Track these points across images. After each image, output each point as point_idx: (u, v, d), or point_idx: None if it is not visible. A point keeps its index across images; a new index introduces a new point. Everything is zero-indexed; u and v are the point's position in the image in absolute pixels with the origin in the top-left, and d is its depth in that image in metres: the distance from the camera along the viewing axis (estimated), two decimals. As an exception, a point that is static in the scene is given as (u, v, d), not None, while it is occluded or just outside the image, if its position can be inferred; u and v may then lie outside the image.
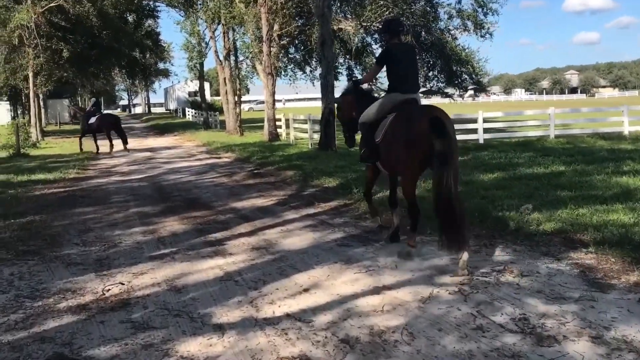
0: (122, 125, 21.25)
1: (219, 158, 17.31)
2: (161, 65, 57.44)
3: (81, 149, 20.74)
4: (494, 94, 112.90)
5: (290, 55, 26.41)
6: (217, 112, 41.10)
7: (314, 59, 25.41)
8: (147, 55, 39.54)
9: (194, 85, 64.38)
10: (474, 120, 18.01)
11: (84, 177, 13.67)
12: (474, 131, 17.64)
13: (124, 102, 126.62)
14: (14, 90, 35.15)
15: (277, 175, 12.61)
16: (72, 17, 27.30)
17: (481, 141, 17.03)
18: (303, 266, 5.36)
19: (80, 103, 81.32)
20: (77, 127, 47.95)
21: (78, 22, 28.29)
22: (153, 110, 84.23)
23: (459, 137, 6.26)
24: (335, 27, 22.98)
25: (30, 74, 26.78)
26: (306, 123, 20.00)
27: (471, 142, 16.67)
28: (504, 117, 27.25)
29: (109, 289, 4.87)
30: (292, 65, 26.38)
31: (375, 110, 5.88)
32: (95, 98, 23.04)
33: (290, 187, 10.80)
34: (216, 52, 28.91)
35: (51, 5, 25.16)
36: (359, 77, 16.25)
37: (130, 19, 36.97)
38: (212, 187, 11.32)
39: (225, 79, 30.33)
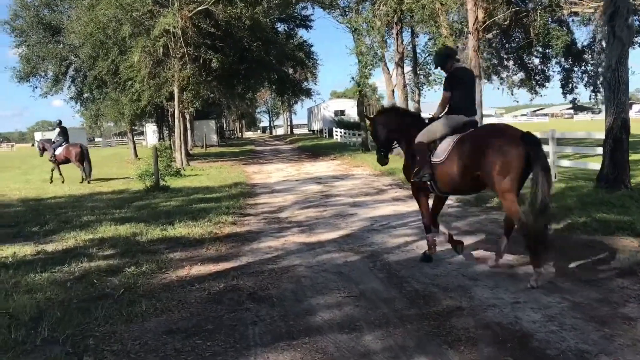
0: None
1: (428, 197, 11.65)
2: (305, 85, 53.89)
3: (51, 181, 18.97)
4: None
5: (487, 55, 20.31)
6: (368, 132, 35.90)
7: (534, 56, 19.18)
8: (298, 70, 35.39)
9: (339, 104, 60.38)
10: None
11: (246, 234, 8.62)
12: None
13: (264, 124, 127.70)
14: (160, 111, 32.43)
15: (599, 247, 6.56)
16: (221, 24, 23.41)
17: None
18: None
19: (225, 125, 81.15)
20: (224, 149, 45.68)
21: (227, 34, 24.49)
22: (295, 131, 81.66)
23: None
24: (566, 12, 16.67)
25: (176, 90, 23.20)
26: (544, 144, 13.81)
27: None
28: None
29: None
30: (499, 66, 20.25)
31: (437, 131, 5.96)
32: (59, 127, 19.98)
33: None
34: (383, 58, 23.66)
35: (200, 8, 21.33)
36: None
37: (281, 29, 33.19)
38: (511, 283, 5.58)
39: (392, 91, 24.98)
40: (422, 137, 6.01)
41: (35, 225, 10.10)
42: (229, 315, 4.87)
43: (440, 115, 6.18)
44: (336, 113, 57.25)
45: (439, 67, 6.43)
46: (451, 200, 10.79)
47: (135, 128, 50.76)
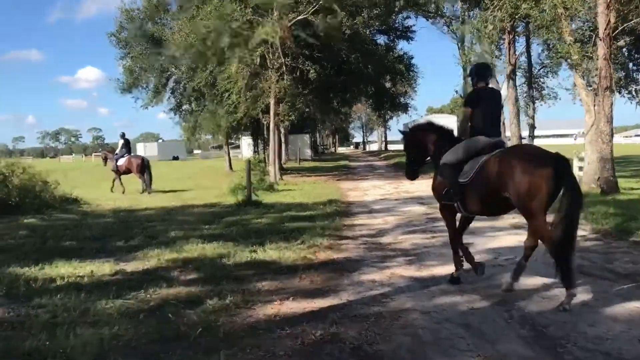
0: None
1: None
2: (402, 99, 52.32)
3: (112, 189, 19.99)
4: None
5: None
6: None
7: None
8: (397, 83, 34.10)
9: (438, 120, 58.29)
10: None
11: (344, 262, 7.48)
12: None
13: (357, 139, 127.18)
14: (256, 123, 32.24)
15: None
16: (320, 35, 22.66)
17: None
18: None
19: (318, 140, 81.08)
20: (318, 164, 45.14)
21: (326, 45, 23.73)
22: (390, 147, 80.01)
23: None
24: None
25: (272, 102, 22.69)
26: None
27: None
28: None
29: None
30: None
31: (462, 152, 5.90)
32: (123, 139, 20.58)
33: None
34: (495, 68, 21.87)
35: (299, 17, 20.69)
36: None
37: (381, 40, 32.10)
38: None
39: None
40: (446, 158, 6.02)
41: (120, 240, 9.56)
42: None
43: (462, 137, 6.24)
44: (435, 129, 55.25)
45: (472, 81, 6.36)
46: (586, 232, 9.12)
47: (232, 141, 51.46)
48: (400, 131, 7.35)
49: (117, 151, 20.46)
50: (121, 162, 19.77)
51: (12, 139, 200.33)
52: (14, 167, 14.53)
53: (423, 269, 6.93)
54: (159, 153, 73.87)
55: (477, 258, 7.42)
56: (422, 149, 6.54)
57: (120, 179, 20.02)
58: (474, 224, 10.51)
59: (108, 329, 4.76)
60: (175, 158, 73.68)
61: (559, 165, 5.15)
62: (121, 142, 20.59)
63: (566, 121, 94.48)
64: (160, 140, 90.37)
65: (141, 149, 76.16)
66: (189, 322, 4.98)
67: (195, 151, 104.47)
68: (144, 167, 19.36)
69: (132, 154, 20.45)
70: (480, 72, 6.23)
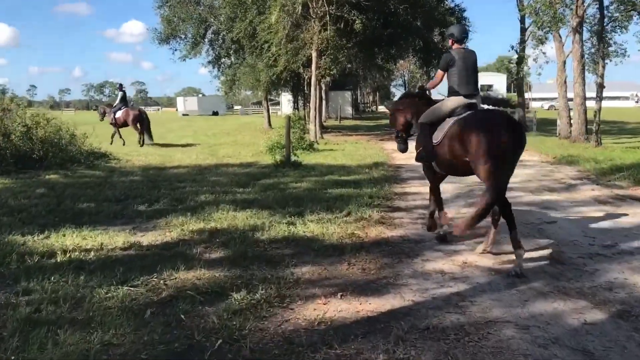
0: None
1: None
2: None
3: (119, 140, 19.55)
4: None
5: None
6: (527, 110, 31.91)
7: None
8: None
9: (486, 79, 55.83)
10: None
11: (401, 244, 6.14)
12: None
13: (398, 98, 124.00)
14: (296, 79, 30.76)
15: None
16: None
17: None
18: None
19: (359, 98, 78.92)
20: (359, 122, 43.58)
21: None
22: (434, 106, 77.57)
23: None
24: None
25: (314, 54, 21.14)
26: None
27: None
28: None
29: None
30: None
31: (437, 112, 6.00)
32: (121, 91, 20.25)
33: None
34: (563, 19, 19.73)
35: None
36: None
37: (431, -9, 29.82)
38: None
39: (564, 62, 21.08)
40: (423, 118, 6.12)
41: (144, 202, 8.50)
42: None
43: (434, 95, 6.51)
44: (482, 88, 52.87)
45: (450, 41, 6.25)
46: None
47: (272, 98, 50.11)
48: (385, 105, 7.30)
49: (115, 103, 20.01)
50: (119, 114, 19.44)
51: (58, 90, 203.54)
52: (38, 119, 13.59)
53: (502, 257, 5.56)
54: (199, 107, 73.24)
55: (566, 241, 6.03)
56: (405, 122, 6.71)
57: (119, 132, 19.75)
58: (548, 197, 9.15)
59: (100, 334, 3.61)
60: (215, 113, 72.96)
61: (511, 129, 5.06)
62: (120, 94, 20.09)
63: (617, 82, 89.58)
64: (200, 95, 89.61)
65: (181, 103, 75.74)
66: (206, 326, 3.80)
67: (235, 107, 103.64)
68: (141, 120, 18.93)
69: (129, 106, 20.06)
70: (458, 35, 6.12)
